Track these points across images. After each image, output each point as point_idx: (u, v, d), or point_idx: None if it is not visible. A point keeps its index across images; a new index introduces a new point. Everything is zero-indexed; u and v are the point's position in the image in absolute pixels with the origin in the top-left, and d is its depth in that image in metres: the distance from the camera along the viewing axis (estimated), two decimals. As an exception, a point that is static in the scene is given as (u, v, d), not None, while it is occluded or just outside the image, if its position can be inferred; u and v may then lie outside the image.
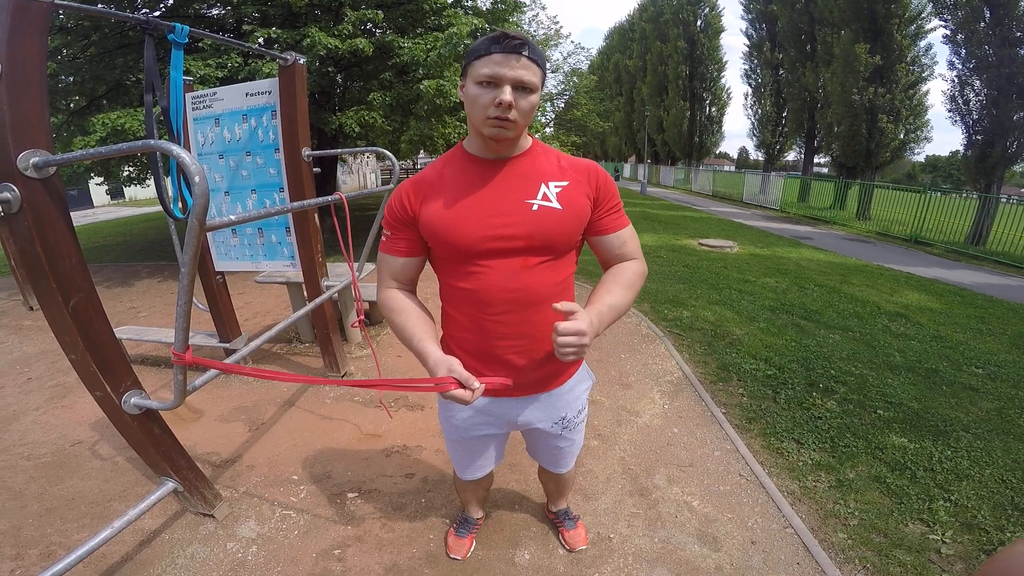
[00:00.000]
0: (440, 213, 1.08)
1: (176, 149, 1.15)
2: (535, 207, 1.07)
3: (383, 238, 1.18)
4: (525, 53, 0.96)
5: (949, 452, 2.44)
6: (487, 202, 1.07)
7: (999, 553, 0.44)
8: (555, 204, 1.07)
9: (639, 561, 1.78)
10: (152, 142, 1.18)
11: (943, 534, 1.91)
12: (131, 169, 6.63)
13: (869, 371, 3.37)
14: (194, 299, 3.29)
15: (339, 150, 3.17)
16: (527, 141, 1.13)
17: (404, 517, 2.00)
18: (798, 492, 2.16)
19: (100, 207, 20.73)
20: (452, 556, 1.80)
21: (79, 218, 15.39)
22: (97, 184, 7.32)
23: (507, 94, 0.96)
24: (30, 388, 3.25)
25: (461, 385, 0.97)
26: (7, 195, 1.33)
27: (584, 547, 1.84)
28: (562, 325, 0.96)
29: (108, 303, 5.13)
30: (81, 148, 4.75)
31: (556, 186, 1.09)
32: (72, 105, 6.38)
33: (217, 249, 3.14)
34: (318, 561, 1.78)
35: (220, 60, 5.37)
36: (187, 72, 4.97)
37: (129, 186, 7.47)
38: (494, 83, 0.97)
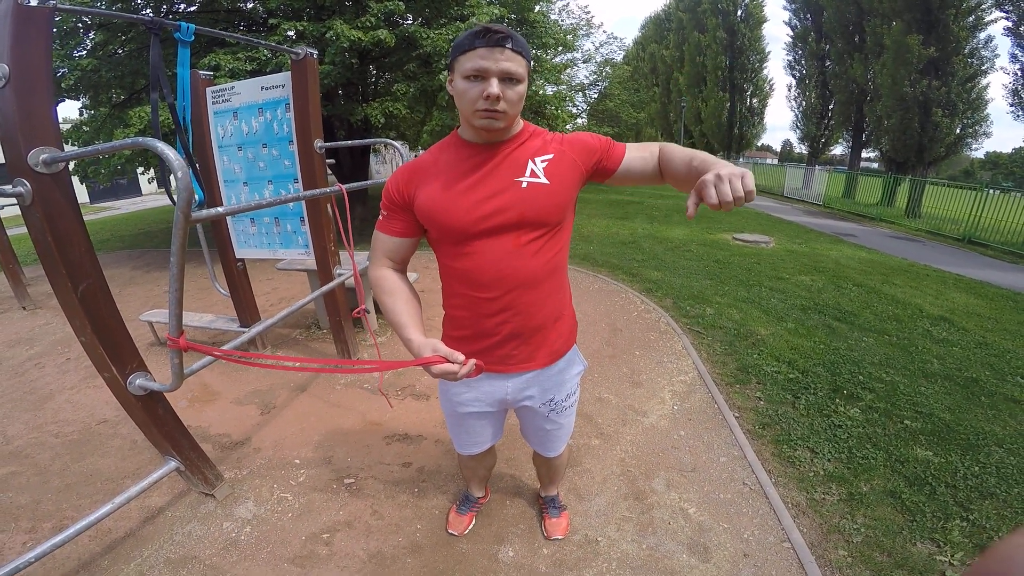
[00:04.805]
0: (435, 197, 1.12)
1: (160, 146, 1.19)
2: (524, 184, 1.10)
3: (380, 217, 1.22)
4: (508, 46, 0.97)
5: (976, 468, 2.28)
6: (480, 185, 1.10)
7: (997, 544, 0.39)
8: (542, 179, 1.11)
9: (623, 567, 1.74)
10: (140, 139, 1.22)
11: (952, 555, 1.79)
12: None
13: (902, 378, 3.18)
14: (216, 284, 3.47)
15: (350, 142, 3.22)
16: (518, 125, 1.15)
17: (395, 506, 2.02)
18: (803, 504, 2.06)
19: (148, 195, 21.87)
20: (450, 531, 1.85)
21: (129, 206, 16.28)
22: (141, 174, 7.68)
23: (494, 87, 0.98)
24: (68, 368, 3.46)
25: (447, 361, 1.02)
26: (20, 189, 1.43)
27: (560, 537, 1.84)
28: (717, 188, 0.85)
29: (146, 287, 5.48)
30: (121, 139, 5.01)
31: (542, 161, 1.12)
32: (113, 99, 6.71)
33: (237, 237, 3.25)
34: (306, 544, 1.82)
35: (249, 53, 5.53)
36: (217, 67, 5.14)
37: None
38: (481, 76, 0.99)
